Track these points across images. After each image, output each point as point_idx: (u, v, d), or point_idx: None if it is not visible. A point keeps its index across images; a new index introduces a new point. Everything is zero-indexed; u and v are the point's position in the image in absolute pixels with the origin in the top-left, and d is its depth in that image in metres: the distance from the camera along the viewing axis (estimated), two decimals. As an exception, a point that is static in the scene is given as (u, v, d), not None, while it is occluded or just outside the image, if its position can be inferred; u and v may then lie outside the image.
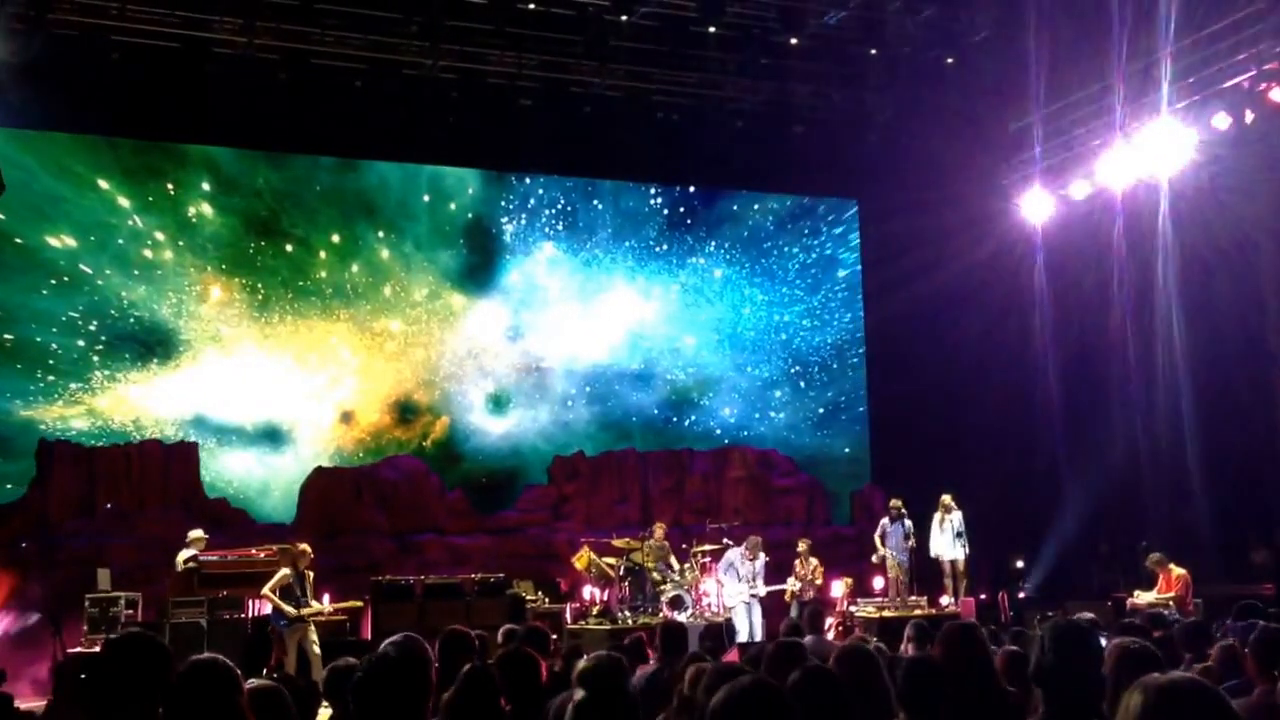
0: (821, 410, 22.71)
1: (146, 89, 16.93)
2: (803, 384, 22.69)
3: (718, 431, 22.23)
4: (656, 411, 21.96)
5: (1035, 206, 18.53)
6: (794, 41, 18.37)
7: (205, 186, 19.62)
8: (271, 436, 19.65)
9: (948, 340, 19.77)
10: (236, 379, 19.52)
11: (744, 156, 20.13)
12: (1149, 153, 16.23)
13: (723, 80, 19.20)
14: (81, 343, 18.66)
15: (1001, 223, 19.09)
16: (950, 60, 18.88)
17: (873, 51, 18.91)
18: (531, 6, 17.23)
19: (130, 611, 14.06)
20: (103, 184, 18.84)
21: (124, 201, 19.02)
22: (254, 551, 15.02)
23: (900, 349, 21.27)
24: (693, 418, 22.20)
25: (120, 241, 19.00)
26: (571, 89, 18.74)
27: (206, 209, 19.61)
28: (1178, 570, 14.35)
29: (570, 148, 19.75)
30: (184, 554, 14.80)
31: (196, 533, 15.03)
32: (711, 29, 17.85)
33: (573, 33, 17.82)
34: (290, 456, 19.75)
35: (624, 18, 17.41)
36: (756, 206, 22.72)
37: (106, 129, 18.31)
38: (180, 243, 19.41)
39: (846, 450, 22.63)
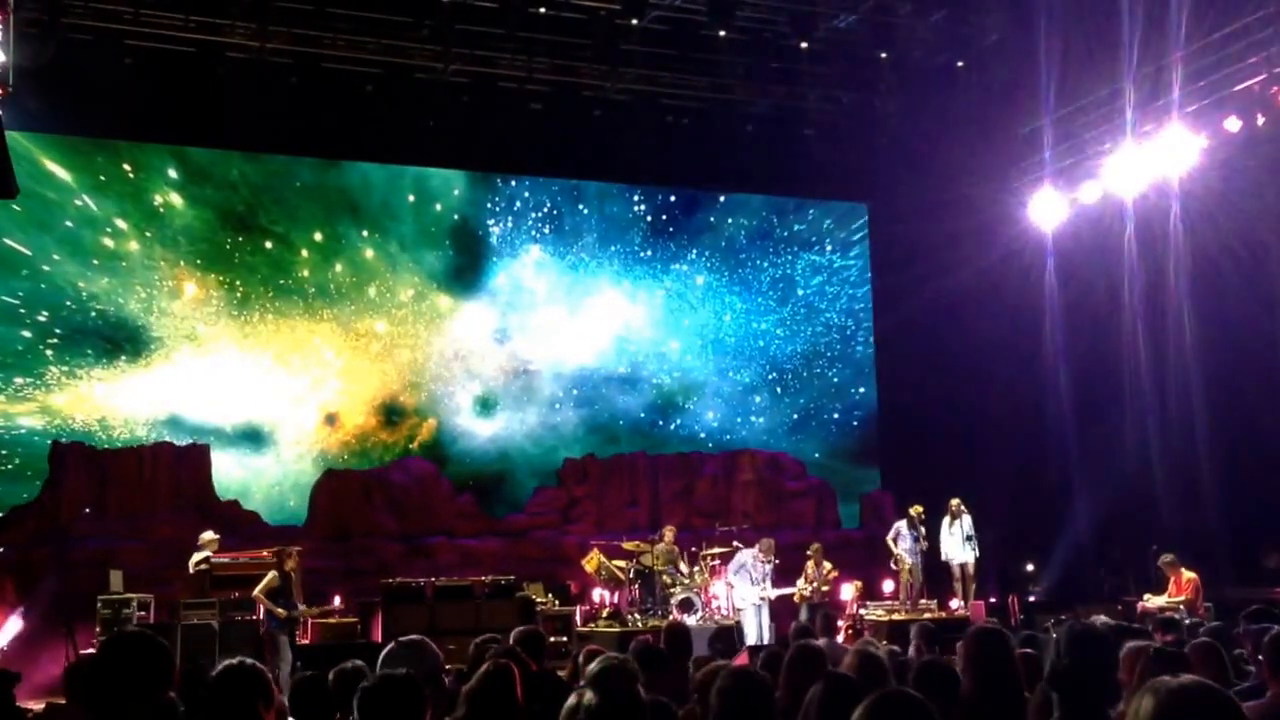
0: (795, 416, 22.71)
1: (159, 93, 16.95)
2: (779, 390, 22.69)
3: (702, 435, 22.17)
4: (643, 415, 21.87)
5: (1046, 210, 18.51)
6: (804, 45, 18.36)
7: (172, 174, 19.12)
8: (252, 438, 19.30)
9: (958, 344, 19.76)
10: (215, 379, 19.08)
11: (754, 160, 20.14)
12: (1160, 156, 16.21)
13: (733, 84, 19.20)
14: (28, 334, 18.04)
15: (1012, 226, 19.07)
16: (961, 64, 18.88)
17: (883, 55, 18.91)
18: (542, 10, 17.26)
19: (142, 613, 14.11)
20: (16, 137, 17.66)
21: (61, 173, 18.19)
22: (266, 554, 15.01)
23: (910, 352, 21.25)
24: (678, 421, 22.11)
25: (68, 224, 18.26)
26: (582, 93, 18.77)
27: (175, 199, 19.13)
28: (1188, 574, 14.33)
29: (580, 151, 19.77)
30: (196, 556, 14.85)
31: (208, 535, 15.07)
32: (722, 33, 17.85)
33: (583, 36, 17.86)
34: (271, 458, 19.46)
35: (634, 21, 17.45)
36: (730, 220, 22.66)
37: (119, 133, 18.34)
38: (147, 234, 18.88)
39: (816, 455, 22.56)
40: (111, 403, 18.62)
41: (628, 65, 18.46)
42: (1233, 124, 15.23)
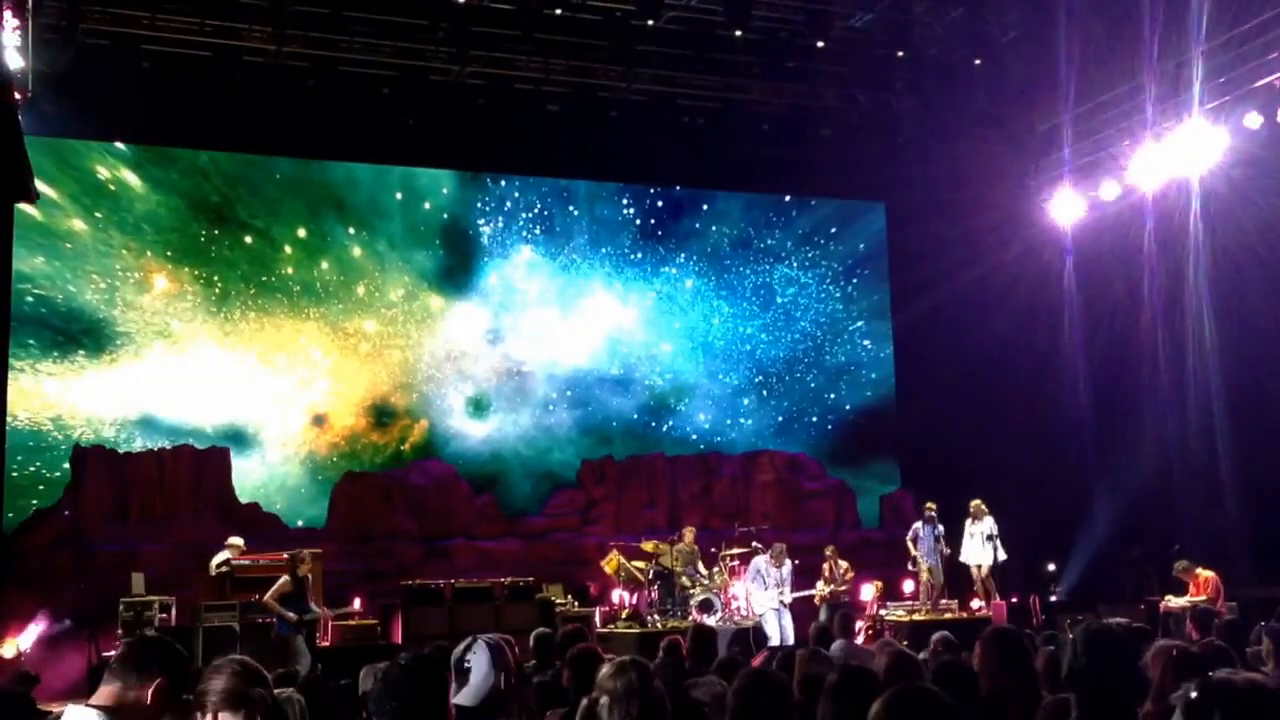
0: (780, 419, 22.57)
1: (177, 97, 17.00)
2: (764, 393, 22.56)
3: (694, 437, 22.03)
4: (636, 416, 21.69)
5: (1064, 208, 18.43)
6: (820, 44, 18.31)
7: (118, 145, 18.26)
8: (235, 439, 18.81)
9: (976, 343, 19.66)
10: (193, 378, 18.53)
11: (771, 160, 20.09)
12: (1180, 153, 16.11)
13: (749, 84, 19.17)
14: None
15: (1030, 224, 19.00)
16: (978, 61, 18.81)
17: (900, 54, 18.85)
18: (558, 12, 17.26)
19: (164, 615, 14.18)
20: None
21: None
22: (286, 556, 15.07)
23: (928, 352, 21.18)
24: (670, 423, 21.93)
25: None
26: (599, 94, 18.77)
27: (131, 179, 18.32)
28: (1205, 573, 14.24)
29: (597, 152, 19.76)
30: (217, 558, 14.93)
31: (235, 540, 15.13)
32: (738, 33, 17.81)
33: (599, 38, 17.85)
34: (257, 460, 19.09)
35: (650, 22, 17.44)
36: (714, 227, 22.47)
37: (136, 137, 18.36)
38: (97, 214, 17.99)
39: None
40: (67, 400, 17.87)
41: (644, 66, 18.45)
42: (1253, 120, 15.13)
